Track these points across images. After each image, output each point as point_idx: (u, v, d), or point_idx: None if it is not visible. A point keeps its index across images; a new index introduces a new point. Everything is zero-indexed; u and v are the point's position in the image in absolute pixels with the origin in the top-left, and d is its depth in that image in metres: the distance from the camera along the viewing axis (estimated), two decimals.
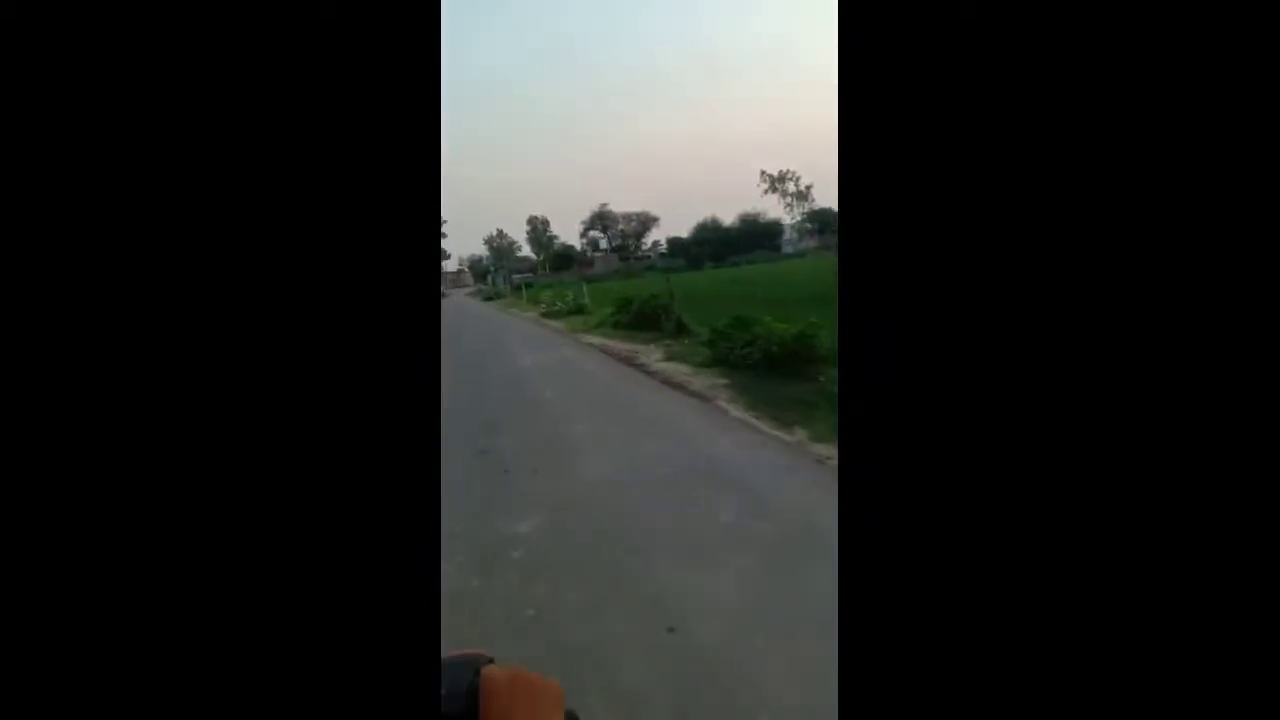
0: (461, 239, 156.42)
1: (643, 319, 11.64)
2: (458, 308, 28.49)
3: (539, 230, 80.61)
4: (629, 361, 8.45)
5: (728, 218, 69.83)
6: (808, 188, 31.86)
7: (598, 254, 77.15)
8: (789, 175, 31.47)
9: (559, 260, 75.46)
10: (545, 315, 18.00)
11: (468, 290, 61.72)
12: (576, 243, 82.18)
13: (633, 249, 79.46)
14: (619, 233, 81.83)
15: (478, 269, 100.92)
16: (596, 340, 11.23)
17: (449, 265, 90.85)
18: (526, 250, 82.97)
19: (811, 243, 51.54)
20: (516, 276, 64.96)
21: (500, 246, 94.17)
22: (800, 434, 4.33)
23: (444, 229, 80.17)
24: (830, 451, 3.81)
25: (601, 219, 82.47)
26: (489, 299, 34.43)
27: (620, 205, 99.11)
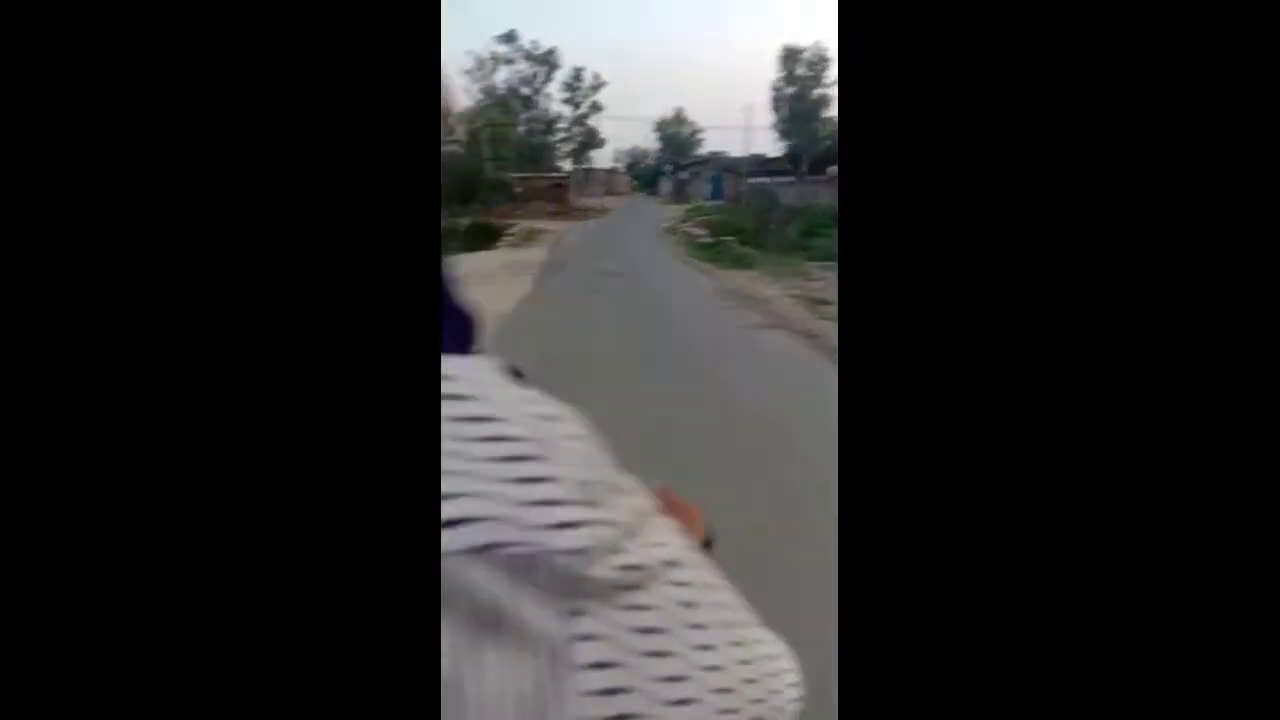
0: (623, 120, 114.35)
1: None
2: None
3: (803, 80, 37.10)
4: None
5: None
6: None
7: None
8: None
9: None
10: None
11: (669, 223, 21.19)
12: None
13: None
14: None
15: (638, 169, 61.92)
16: None
17: (602, 157, 51.45)
18: (752, 137, 41.74)
19: None
20: (753, 182, 27.09)
21: (676, 134, 53.94)
22: None
23: (599, 99, 41.19)
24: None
25: None
26: None
27: None
